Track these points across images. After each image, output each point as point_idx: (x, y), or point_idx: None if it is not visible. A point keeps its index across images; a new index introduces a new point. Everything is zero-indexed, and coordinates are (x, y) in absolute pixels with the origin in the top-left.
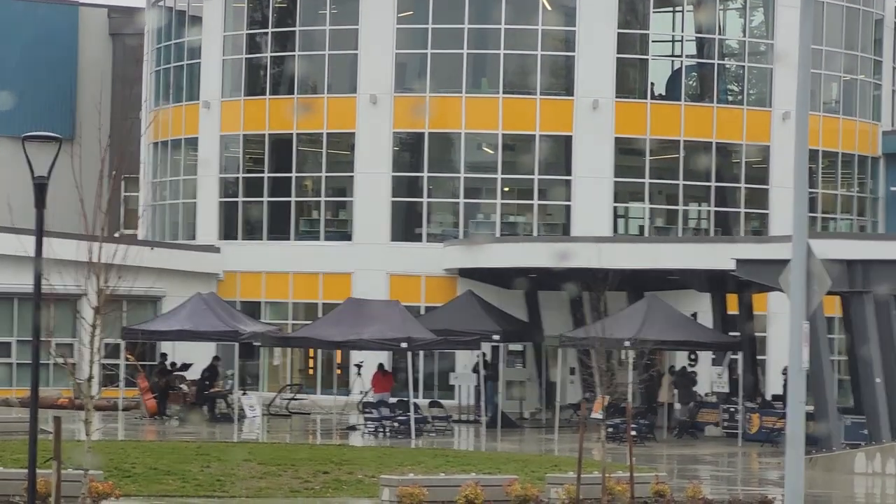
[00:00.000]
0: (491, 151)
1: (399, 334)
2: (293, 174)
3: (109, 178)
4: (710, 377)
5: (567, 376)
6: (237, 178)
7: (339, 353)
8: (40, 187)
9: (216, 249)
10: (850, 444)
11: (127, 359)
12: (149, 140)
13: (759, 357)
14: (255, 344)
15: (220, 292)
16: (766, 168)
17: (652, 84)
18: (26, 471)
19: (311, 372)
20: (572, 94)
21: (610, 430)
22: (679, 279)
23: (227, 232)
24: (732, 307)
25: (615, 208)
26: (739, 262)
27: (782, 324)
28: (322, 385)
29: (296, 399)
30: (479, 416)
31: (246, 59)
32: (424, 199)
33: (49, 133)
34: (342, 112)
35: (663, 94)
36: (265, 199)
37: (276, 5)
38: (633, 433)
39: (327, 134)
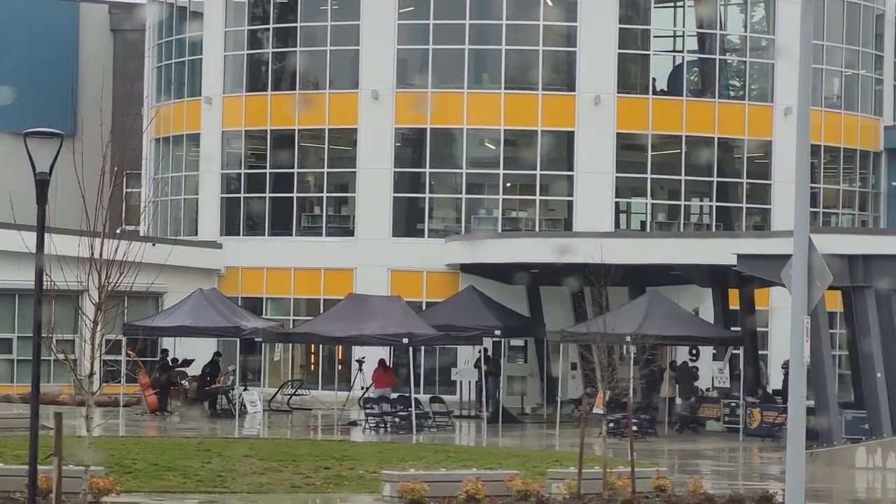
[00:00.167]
0: (493, 147)
1: (400, 330)
2: (295, 170)
3: (111, 175)
4: (711, 372)
5: (568, 371)
6: (239, 173)
7: (340, 348)
8: (42, 183)
9: (218, 245)
10: (850, 438)
11: (128, 355)
12: (150, 136)
13: (760, 352)
14: (257, 340)
15: (222, 288)
16: (767, 163)
17: (653, 79)
18: (27, 467)
19: (312, 368)
20: (574, 90)
21: (611, 425)
22: (680, 274)
23: (229, 228)
24: (734, 302)
25: (617, 203)
26: (741, 257)
27: (784, 319)
28: (323, 381)
29: (297, 395)
30: (481, 411)
31: (247, 54)
32: (426, 195)
33: (50, 129)
34: (344, 108)
35: (665, 89)
36: (267, 194)
37: (278, 1)
38: (635, 428)
39: (329, 130)
